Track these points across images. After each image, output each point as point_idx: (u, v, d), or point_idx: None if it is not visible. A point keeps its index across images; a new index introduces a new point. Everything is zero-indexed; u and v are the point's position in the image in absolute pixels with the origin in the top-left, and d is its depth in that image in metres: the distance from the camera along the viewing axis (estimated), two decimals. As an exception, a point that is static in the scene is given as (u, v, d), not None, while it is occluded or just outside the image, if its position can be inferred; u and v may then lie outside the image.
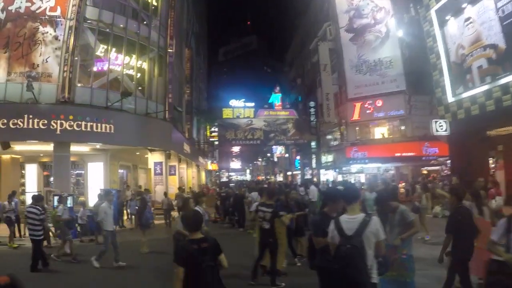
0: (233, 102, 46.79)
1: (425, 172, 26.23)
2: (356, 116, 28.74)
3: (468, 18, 16.22)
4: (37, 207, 9.70)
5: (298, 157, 47.11)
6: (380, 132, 29.09)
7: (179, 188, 22.03)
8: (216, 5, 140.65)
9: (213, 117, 41.89)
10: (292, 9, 48.94)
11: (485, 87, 15.18)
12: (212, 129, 48.84)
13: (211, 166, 54.67)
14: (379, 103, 27.47)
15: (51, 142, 16.69)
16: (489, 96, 14.73)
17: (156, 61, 21.70)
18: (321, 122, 35.28)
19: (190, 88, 32.62)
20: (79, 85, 17.62)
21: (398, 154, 25.40)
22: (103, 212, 9.73)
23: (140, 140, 19.91)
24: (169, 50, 22.44)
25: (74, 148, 18.03)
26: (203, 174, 47.31)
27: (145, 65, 20.76)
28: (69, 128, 16.46)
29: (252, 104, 45.50)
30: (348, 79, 29.56)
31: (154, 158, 22.86)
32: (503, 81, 14.18)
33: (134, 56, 19.93)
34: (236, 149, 62.55)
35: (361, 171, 29.91)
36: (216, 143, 49.77)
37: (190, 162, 34.05)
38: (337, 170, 32.85)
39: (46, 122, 16.10)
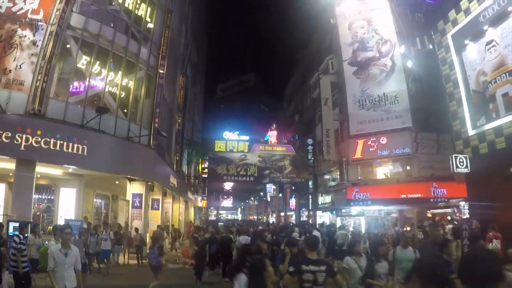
0: (226, 134, 44.40)
1: (429, 215, 23.97)
2: (358, 154, 26.74)
3: (490, 41, 14.69)
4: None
5: (293, 197, 44.69)
6: (383, 172, 27.03)
7: (158, 226, 19.71)
8: (217, 39, 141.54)
9: (206, 150, 39.57)
10: (294, 43, 48.33)
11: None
12: (205, 166, 46.42)
13: (201, 202, 51.84)
14: (383, 140, 25.59)
15: (13, 158, 14.42)
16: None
17: (144, 81, 19.87)
18: (319, 160, 33.28)
19: (182, 117, 30.73)
20: (53, 97, 15.60)
21: (404, 196, 23.20)
22: (51, 259, 6.41)
23: (118, 167, 17.55)
24: (159, 71, 20.66)
25: (44, 169, 15.80)
26: (192, 211, 44.49)
27: (131, 84, 18.89)
28: (35, 145, 14.24)
29: (247, 137, 43.12)
30: (351, 114, 27.86)
31: (133, 188, 20.15)
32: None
33: (120, 72, 18.10)
34: (228, 185, 59.67)
35: (362, 214, 27.53)
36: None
37: (178, 197, 31.58)
38: (335, 212, 30.43)
39: (9, 135, 13.89)
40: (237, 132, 46.09)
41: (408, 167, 25.10)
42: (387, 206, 24.79)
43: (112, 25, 18.08)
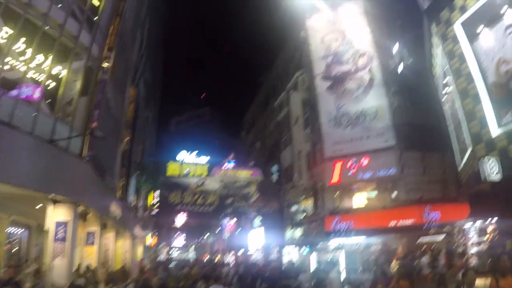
0: (182, 155, 38.62)
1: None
2: (336, 178, 23.37)
3: (511, 25, 12.09)
4: None
5: (259, 229, 39.88)
6: (366, 197, 23.76)
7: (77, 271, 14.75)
8: (173, 66, 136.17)
9: (158, 177, 34.31)
10: (256, 67, 45.60)
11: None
12: (154, 201, 40.43)
13: (151, 239, 45.68)
14: (365, 161, 22.53)
15: None
16: None
17: (82, 73, 15.50)
18: (286, 189, 29.66)
19: (131, 136, 26.27)
20: None
21: (394, 222, 19.86)
22: None
23: (36, 180, 12.43)
24: (104, 65, 16.48)
25: None
26: (140, 250, 38.70)
27: (64, 73, 14.49)
28: None
29: (207, 158, 37.75)
30: (326, 134, 24.73)
31: (57, 214, 14.17)
32: None
33: (51, 56, 13.73)
34: (180, 219, 53.21)
35: (341, 247, 23.73)
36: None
37: (123, 231, 26.38)
38: (309, 246, 26.45)
39: None
40: (196, 152, 40.38)
41: (395, 192, 21.97)
42: (374, 236, 21.24)
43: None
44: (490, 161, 11.79)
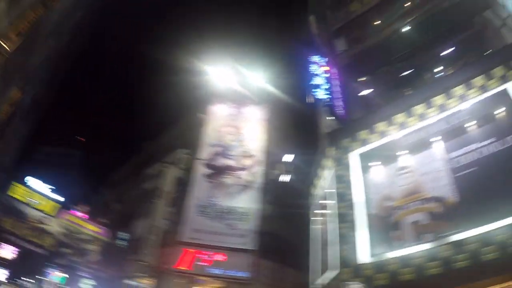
0: (36, 183, 31.95)
1: None
2: (184, 265, 21.85)
3: (404, 167, 13.72)
4: None
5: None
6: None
7: None
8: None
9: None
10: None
11: (424, 246, 11.67)
12: None
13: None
14: (220, 257, 21.70)
15: None
16: (433, 257, 11.12)
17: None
18: (131, 260, 26.50)
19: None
20: None
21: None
22: None
23: None
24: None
25: None
26: None
27: None
28: None
29: (62, 199, 32.01)
30: (188, 218, 23.79)
31: None
32: (454, 238, 10.98)
33: None
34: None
35: None
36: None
37: None
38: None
39: None
40: (51, 187, 33.93)
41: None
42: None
43: None
44: (356, 285, 12.12)
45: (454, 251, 10.57)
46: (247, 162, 25.48)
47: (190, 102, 30.24)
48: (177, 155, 28.72)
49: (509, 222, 9.99)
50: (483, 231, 10.30)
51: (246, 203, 23.87)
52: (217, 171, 25.40)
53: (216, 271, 21.47)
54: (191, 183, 25.08)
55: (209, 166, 25.69)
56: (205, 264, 21.70)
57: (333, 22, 20.15)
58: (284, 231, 22.43)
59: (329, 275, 15.16)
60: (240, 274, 21.13)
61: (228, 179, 24.97)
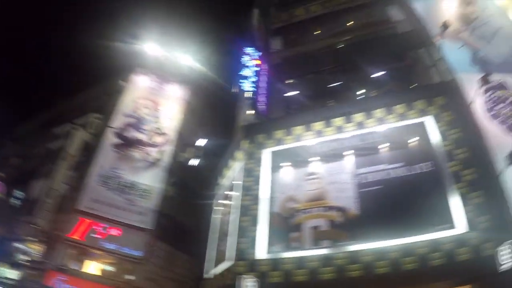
0: None
1: None
2: (77, 235, 20.88)
3: (313, 173, 14.51)
4: None
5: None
6: (101, 268, 21.44)
7: None
8: None
9: None
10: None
11: (320, 251, 12.52)
12: None
13: None
14: (115, 231, 21.01)
15: None
16: (328, 263, 12.00)
17: None
18: (20, 220, 24.36)
19: None
20: None
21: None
22: None
23: None
24: None
25: None
26: None
27: None
28: None
29: None
30: (89, 186, 22.65)
31: None
32: (350, 248, 11.96)
33: None
34: None
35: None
36: None
37: None
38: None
39: None
40: None
41: (133, 275, 20.63)
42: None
43: None
44: (248, 279, 12.57)
45: (349, 260, 11.33)
46: (159, 139, 24.96)
47: (114, 67, 28.59)
48: (89, 118, 27.04)
49: (402, 242, 11.05)
50: (378, 246, 11.23)
51: (150, 180, 23.46)
52: (127, 143, 24.52)
53: (110, 246, 20.94)
54: (98, 150, 23.90)
55: (119, 136, 24.71)
56: (99, 237, 21.00)
57: (275, 20, 20.38)
58: (184, 216, 22.44)
59: (224, 266, 15.37)
60: (133, 252, 20.80)
61: (136, 153, 24.27)
